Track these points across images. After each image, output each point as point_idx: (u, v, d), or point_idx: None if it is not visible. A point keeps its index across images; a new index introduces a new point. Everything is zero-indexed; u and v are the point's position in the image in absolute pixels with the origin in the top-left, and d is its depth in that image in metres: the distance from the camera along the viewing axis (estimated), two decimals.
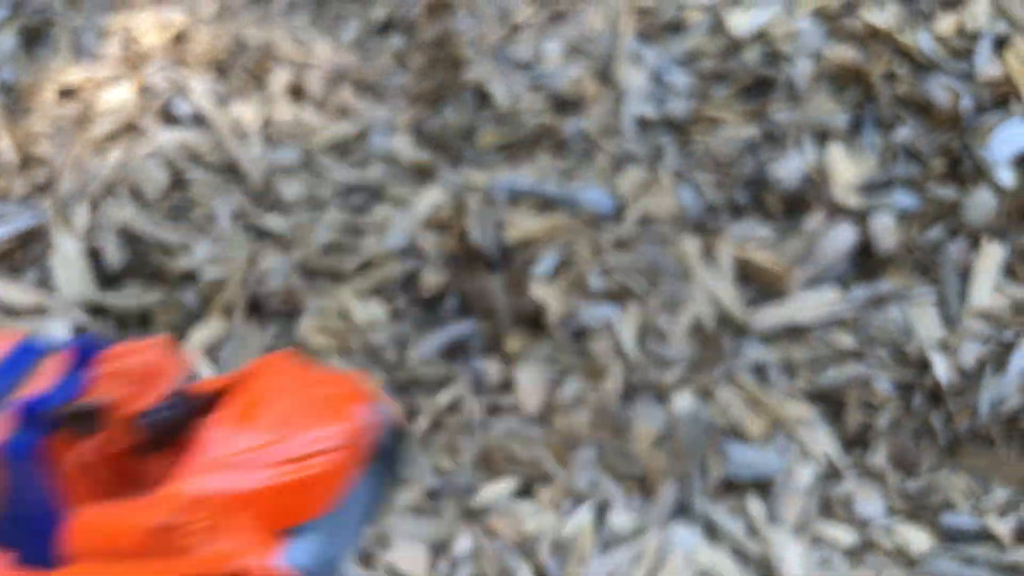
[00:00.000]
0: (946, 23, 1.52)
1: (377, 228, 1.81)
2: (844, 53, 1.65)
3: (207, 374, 1.51)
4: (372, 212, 1.89)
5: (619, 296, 1.46)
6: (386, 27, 2.69)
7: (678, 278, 1.51)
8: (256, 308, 1.61)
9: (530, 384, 1.39)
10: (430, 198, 1.81)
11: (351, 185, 1.96)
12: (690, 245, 1.54)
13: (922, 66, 1.54)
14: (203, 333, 1.58)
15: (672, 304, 1.48)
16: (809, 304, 1.52)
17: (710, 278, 1.52)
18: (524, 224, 1.55)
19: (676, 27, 2.09)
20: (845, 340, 1.47)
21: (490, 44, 2.25)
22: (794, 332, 1.52)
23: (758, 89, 1.83)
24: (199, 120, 2.15)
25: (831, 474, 1.39)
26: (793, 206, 1.67)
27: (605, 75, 2.04)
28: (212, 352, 1.57)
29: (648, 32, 2.14)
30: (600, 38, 2.27)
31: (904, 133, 1.56)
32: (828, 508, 1.36)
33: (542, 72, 2.19)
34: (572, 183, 1.73)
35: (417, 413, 1.42)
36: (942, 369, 1.38)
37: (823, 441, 1.40)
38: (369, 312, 1.50)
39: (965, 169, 1.50)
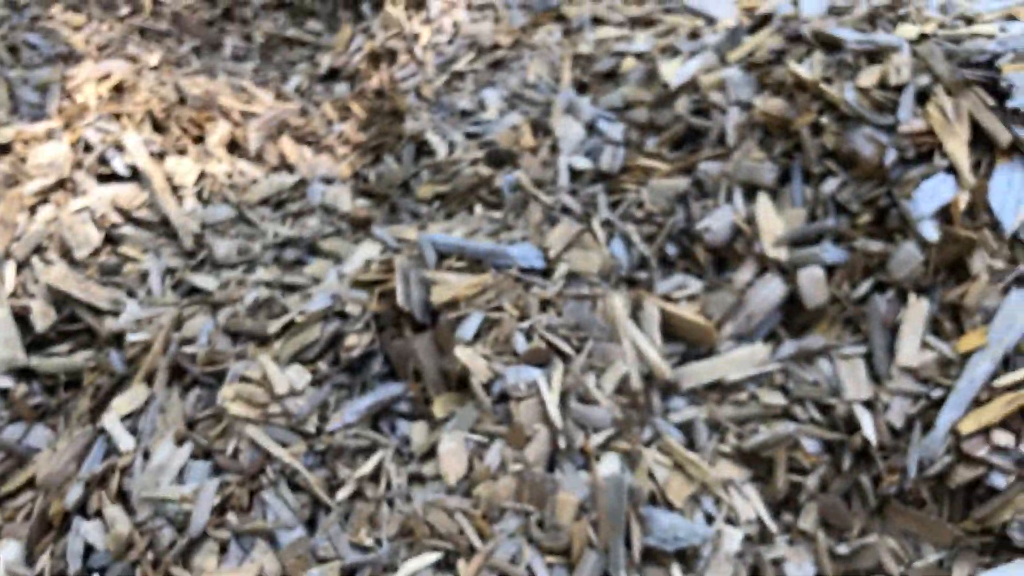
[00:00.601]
0: (870, 76, 1.51)
1: (307, 287, 1.78)
2: (772, 104, 1.64)
3: (127, 444, 1.46)
4: (304, 268, 1.85)
5: (545, 357, 1.43)
6: (332, 75, 2.68)
7: (605, 336, 1.49)
8: (179, 374, 1.57)
9: (453, 452, 1.35)
10: (363, 253, 1.78)
11: (285, 239, 1.93)
12: (618, 301, 1.52)
13: (848, 118, 1.53)
14: (124, 400, 1.54)
15: (599, 363, 1.46)
16: (737, 360, 1.50)
17: (638, 336, 1.50)
18: (452, 283, 1.52)
19: (612, 75, 2.08)
20: (774, 398, 1.45)
21: (431, 92, 2.24)
22: (722, 389, 1.49)
23: (689, 139, 1.82)
24: (134, 175, 2.11)
25: (761, 538, 1.36)
26: (722, 259, 1.65)
27: (542, 124, 2.03)
28: (133, 419, 1.52)
29: (585, 80, 2.14)
30: (539, 86, 2.26)
31: (831, 185, 1.55)
32: (758, 573, 1.33)
33: (480, 121, 2.17)
34: (504, 237, 1.70)
35: (338, 484, 1.38)
36: (870, 429, 1.36)
37: (752, 504, 1.37)
38: (291, 378, 1.46)
39: (891, 222, 1.50)
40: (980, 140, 1.46)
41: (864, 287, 1.49)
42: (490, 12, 2.45)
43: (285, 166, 2.21)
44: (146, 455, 1.44)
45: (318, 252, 1.92)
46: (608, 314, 1.51)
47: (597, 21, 2.37)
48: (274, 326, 1.56)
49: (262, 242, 1.91)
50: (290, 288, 1.78)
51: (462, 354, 1.43)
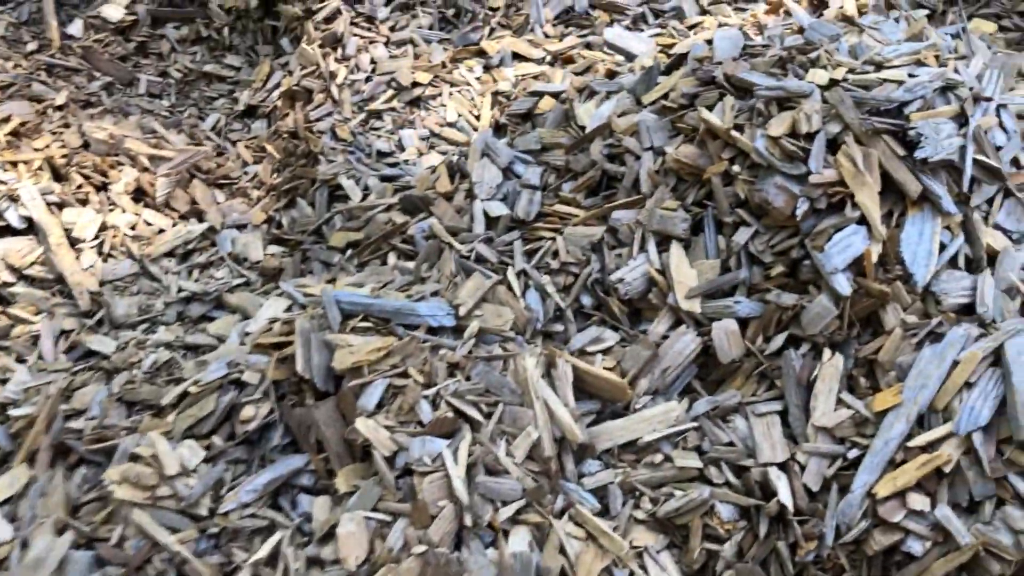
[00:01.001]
0: (781, 123, 1.48)
1: (210, 347, 1.69)
2: (684, 151, 1.60)
3: (3, 534, 1.36)
4: (209, 326, 1.76)
5: (452, 427, 1.36)
6: (250, 112, 2.59)
7: (517, 399, 1.42)
8: (64, 452, 1.47)
9: (353, 535, 1.28)
10: (269, 310, 1.69)
11: (190, 294, 1.84)
12: (530, 361, 1.45)
13: (759, 167, 1.49)
14: (2, 484, 1.44)
15: (510, 428, 1.39)
16: (652, 419, 1.45)
17: (550, 397, 1.43)
18: (355, 347, 1.45)
19: (529, 115, 2.03)
20: (689, 460, 1.40)
21: (347, 133, 2.16)
22: (637, 450, 1.44)
23: (605, 184, 1.77)
24: (29, 227, 2.01)
25: None
26: (638, 310, 1.61)
27: (459, 167, 1.97)
28: (12, 505, 1.42)
29: (503, 121, 2.08)
30: (458, 124, 2.20)
31: (744, 236, 1.51)
32: None
33: (398, 162, 2.11)
34: (415, 291, 1.64)
35: (232, 571, 1.30)
36: (786, 494, 1.32)
37: (668, 574, 1.32)
38: (183, 456, 1.38)
39: (805, 274, 1.46)
40: (891, 190, 1.43)
41: (778, 340, 1.45)
42: (409, 48, 2.39)
43: (195, 213, 2.12)
44: (24, 545, 1.34)
45: (225, 306, 1.84)
46: (520, 375, 1.44)
47: (517, 56, 2.32)
48: (169, 396, 1.47)
49: (165, 298, 1.81)
50: (193, 348, 1.69)
51: (363, 426, 1.36)
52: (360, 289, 1.64)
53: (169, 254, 1.94)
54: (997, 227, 1.46)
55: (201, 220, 2.08)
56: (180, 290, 1.84)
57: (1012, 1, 2.15)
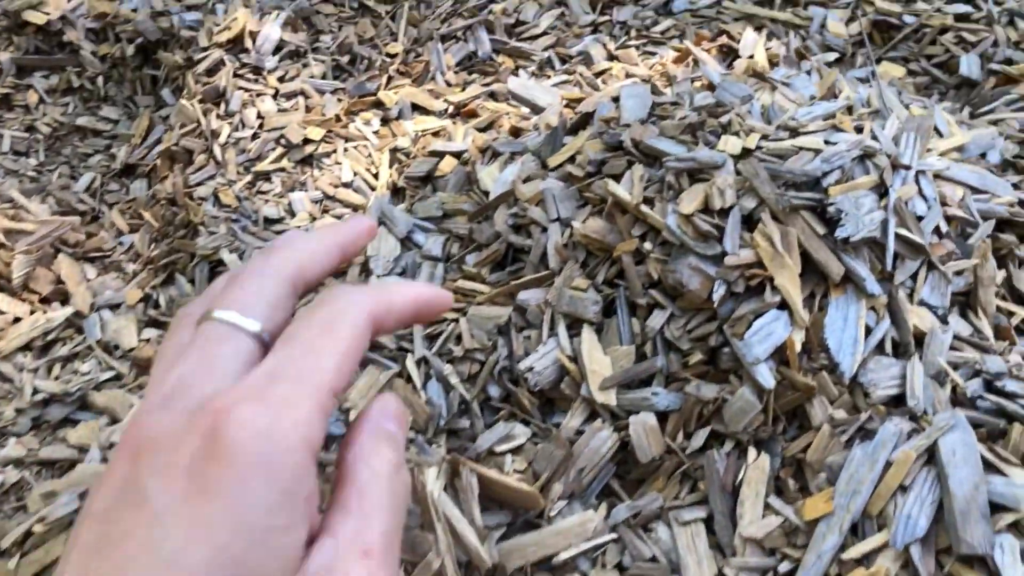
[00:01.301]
0: (693, 198, 1.36)
1: (69, 461, 1.49)
2: (592, 226, 1.48)
3: None
4: (70, 434, 1.56)
5: None
6: (128, 171, 2.38)
7: (416, 521, 1.27)
8: None
9: None
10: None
11: (48, 396, 1.63)
12: (431, 475, 1.30)
13: (672, 245, 1.38)
14: None
15: (409, 557, 1.24)
16: (567, 531, 1.31)
17: (454, 515, 1.29)
18: None
19: (429, 179, 1.89)
20: None
21: (231, 198, 1.98)
22: (552, 568, 1.30)
23: (511, 257, 1.64)
24: None
25: None
26: (549, 400, 1.47)
27: None
28: None
29: (402, 183, 1.93)
30: (354, 184, 2.04)
31: (659, 320, 1.39)
32: None
33: (286, 229, 1.93)
34: None
35: None
36: None
37: None
38: None
39: (725, 362, 1.35)
40: (811, 269, 1.33)
41: (700, 437, 1.33)
42: (300, 99, 2.21)
43: (59, 294, 1.90)
44: None
45: (90, 407, 1.63)
46: (419, 493, 1.29)
47: (417, 108, 2.17)
48: (10, 537, 1.27)
49: (17, 403, 1.60)
50: (49, 464, 1.48)
51: None
52: None
53: (25, 347, 1.72)
54: (923, 303, 1.38)
55: (66, 303, 1.86)
56: (36, 391, 1.62)
57: (919, 44, 2.10)
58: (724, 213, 1.37)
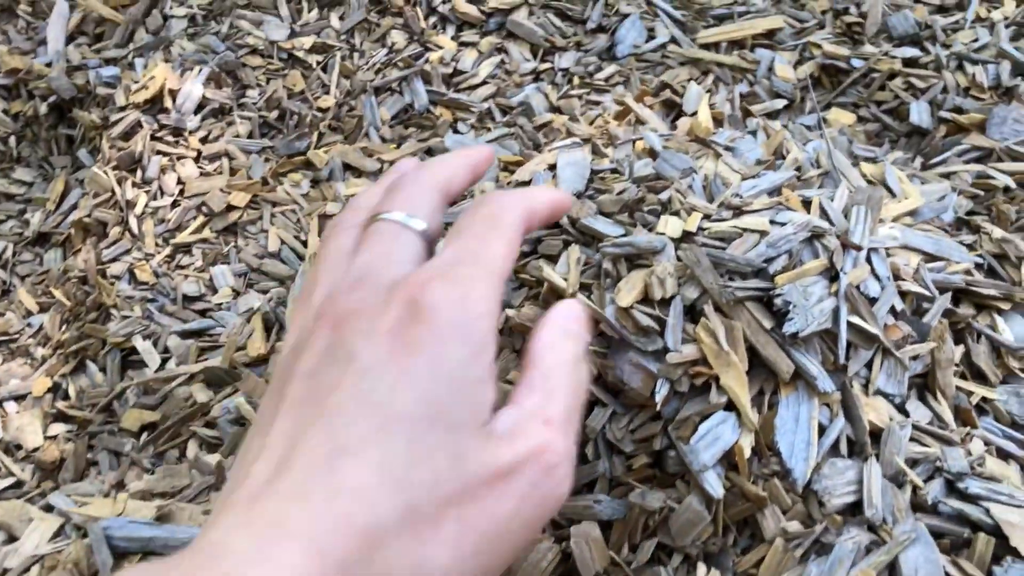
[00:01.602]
0: (631, 288, 1.26)
1: None
2: (528, 313, 1.37)
3: None
4: None
5: None
6: (42, 239, 2.23)
7: None
8: None
9: None
10: (34, 538, 1.37)
11: None
12: None
13: (611, 340, 1.28)
14: None
15: None
16: None
17: None
18: None
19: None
20: None
21: (148, 274, 1.85)
22: None
23: None
24: None
25: None
26: None
27: (277, 318, 1.69)
28: None
29: None
30: (282, 254, 1.93)
31: (600, 419, 1.29)
32: None
33: (208, 308, 1.81)
34: (216, 504, 1.35)
35: None
36: None
37: None
38: None
39: (671, 466, 1.24)
40: (759, 364, 1.23)
41: (646, 550, 1.23)
42: (224, 161, 2.09)
43: None
44: None
45: None
46: None
47: (349, 168, 2.06)
48: None
49: None
50: None
51: None
52: (144, 508, 1.34)
53: None
54: (879, 392, 1.29)
55: None
56: None
57: (868, 90, 2.03)
58: (665, 303, 1.27)
